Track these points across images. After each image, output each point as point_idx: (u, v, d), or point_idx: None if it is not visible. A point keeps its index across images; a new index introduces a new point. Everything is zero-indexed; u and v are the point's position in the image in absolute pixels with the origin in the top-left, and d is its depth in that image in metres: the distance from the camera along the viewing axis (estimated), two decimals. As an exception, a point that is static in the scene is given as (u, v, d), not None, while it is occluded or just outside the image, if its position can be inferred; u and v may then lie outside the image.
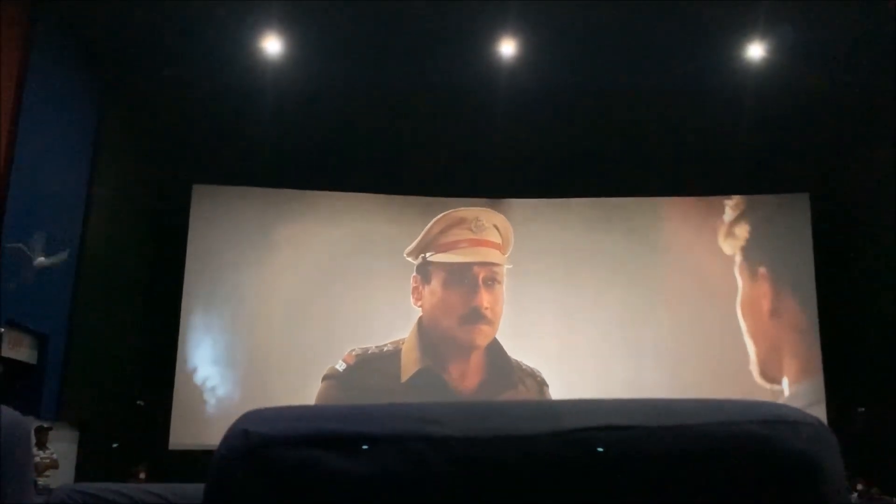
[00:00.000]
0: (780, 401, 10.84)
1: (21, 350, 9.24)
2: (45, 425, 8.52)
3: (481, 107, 11.83)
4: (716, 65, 11.00)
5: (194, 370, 12.26)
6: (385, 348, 12.53)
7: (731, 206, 13.13)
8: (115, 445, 10.33)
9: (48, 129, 9.45)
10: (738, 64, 11.00)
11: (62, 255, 9.21)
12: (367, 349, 12.48)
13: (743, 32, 10.57)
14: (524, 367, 12.55)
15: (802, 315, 12.57)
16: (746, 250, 12.94)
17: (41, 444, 8.28)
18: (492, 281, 12.68)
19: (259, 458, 0.79)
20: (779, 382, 12.48)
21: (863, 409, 11.39)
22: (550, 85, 11.50)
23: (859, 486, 9.92)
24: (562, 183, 13.02)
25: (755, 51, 10.80)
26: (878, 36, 10.09)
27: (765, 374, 12.53)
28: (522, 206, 13.25)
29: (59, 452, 8.70)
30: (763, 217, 13.04)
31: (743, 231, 13.01)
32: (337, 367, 12.32)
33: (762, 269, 12.81)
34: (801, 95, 11.44)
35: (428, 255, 12.72)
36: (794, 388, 12.32)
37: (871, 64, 10.66)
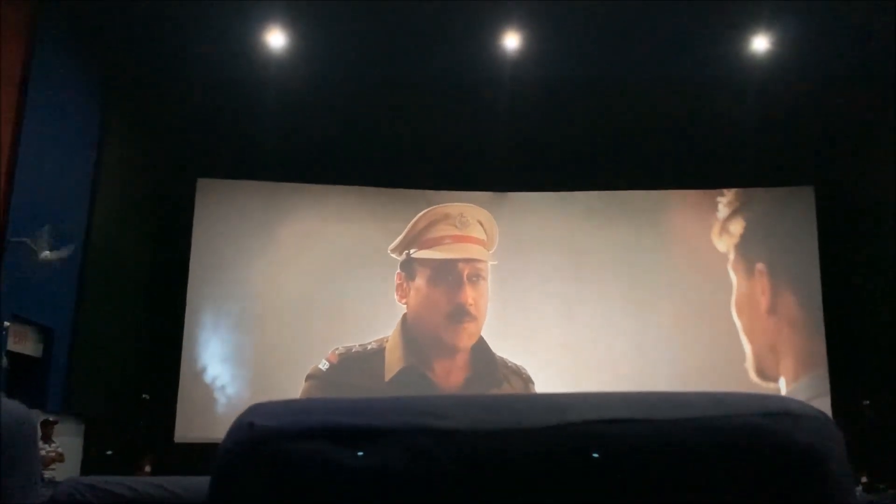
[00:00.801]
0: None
1: (26, 344, 9.27)
2: (51, 419, 8.54)
3: (485, 100, 11.81)
4: (720, 57, 10.96)
5: (199, 363, 12.27)
6: (369, 346, 12.45)
7: (724, 202, 13.04)
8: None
9: (52, 123, 9.46)
10: (742, 56, 10.96)
11: (69, 249, 9.22)
12: (350, 348, 12.42)
13: (747, 25, 10.53)
14: (509, 364, 12.49)
15: (801, 310, 12.50)
16: (741, 247, 12.84)
17: (46, 438, 8.30)
18: (476, 277, 12.61)
19: (264, 451, 0.79)
20: (775, 381, 12.40)
21: (867, 403, 11.38)
22: (554, 78, 11.48)
23: (864, 479, 9.91)
24: (565, 176, 12.99)
25: (760, 43, 10.77)
26: (883, 28, 10.05)
27: (760, 373, 12.45)
28: (525, 200, 13.22)
29: (64, 446, 8.73)
30: (767, 211, 12.97)
31: (738, 227, 12.90)
32: (320, 366, 12.26)
33: (759, 266, 12.72)
34: (805, 88, 11.40)
35: (412, 251, 12.68)
36: (793, 387, 12.25)
37: (875, 56, 10.63)
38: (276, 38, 10.69)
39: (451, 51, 10.93)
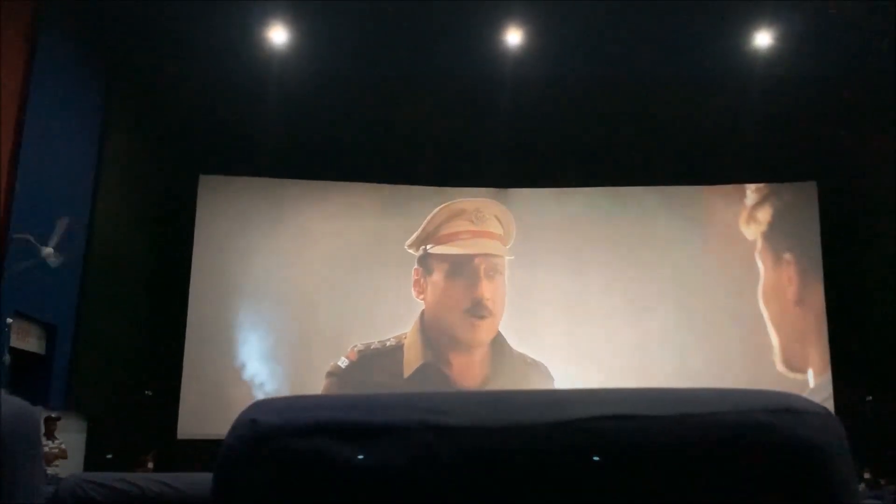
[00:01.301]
0: (805, 391, 10.79)
1: (29, 340, 9.28)
2: (53, 415, 8.55)
3: (488, 96, 11.81)
4: (723, 53, 10.95)
5: (202, 360, 12.28)
6: (388, 343, 12.47)
7: (752, 189, 13.07)
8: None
9: (55, 120, 9.46)
10: (744, 52, 10.95)
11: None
12: (369, 345, 12.44)
13: (750, 20, 10.51)
14: (528, 360, 12.48)
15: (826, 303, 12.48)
16: (767, 235, 12.84)
17: (49, 434, 8.31)
18: (493, 272, 12.62)
19: (266, 448, 0.79)
20: (803, 372, 12.34)
21: (870, 399, 11.37)
22: (557, 74, 11.47)
23: (866, 475, 9.91)
24: (569, 172, 12.98)
25: (762, 39, 10.75)
26: (885, 23, 10.02)
27: (788, 364, 12.39)
28: (529, 196, 13.22)
29: (67, 442, 8.74)
30: (771, 206, 12.97)
31: (766, 216, 12.89)
32: (339, 363, 12.30)
33: (787, 255, 12.68)
34: (807, 83, 11.38)
35: (428, 246, 12.68)
36: (820, 379, 12.18)
37: (877, 51, 10.60)
38: (278, 35, 10.68)
39: (454, 47, 10.92)
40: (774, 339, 12.49)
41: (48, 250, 8.70)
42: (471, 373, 12.39)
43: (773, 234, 12.83)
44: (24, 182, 8.72)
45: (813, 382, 12.21)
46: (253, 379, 12.34)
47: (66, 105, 9.81)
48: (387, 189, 13.08)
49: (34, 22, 9.06)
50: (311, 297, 12.69)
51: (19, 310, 8.72)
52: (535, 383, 12.20)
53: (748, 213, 12.95)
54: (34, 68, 8.99)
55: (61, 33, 9.64)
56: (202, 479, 1.89)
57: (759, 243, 12.84)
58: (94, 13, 10.12)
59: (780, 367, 12.38)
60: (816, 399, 0.90)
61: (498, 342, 12.51)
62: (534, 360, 12.47)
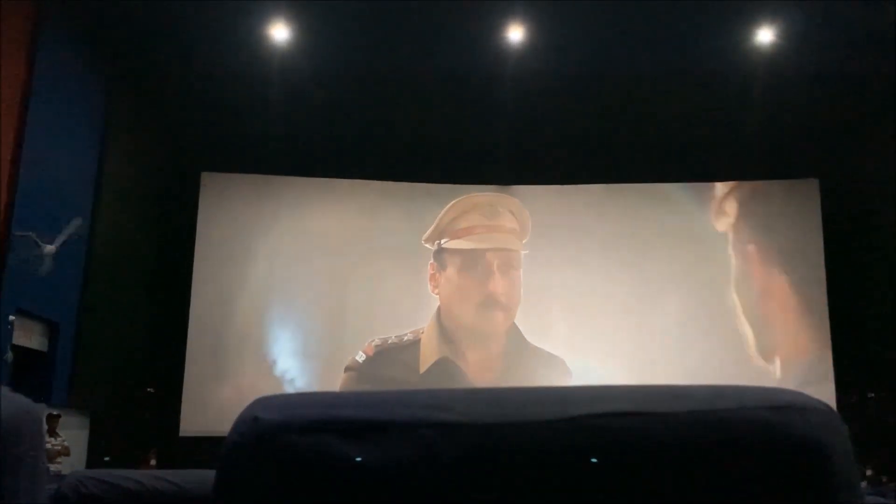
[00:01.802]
0: (772, 381, 10.82)
1: (32, 338, 9.29)
2: (54, 412, 8.56)
3: (490, 93, 11.79)
4: (725, 50, 10.92)
5: (204, 357, 12.28)
6: (405, 338, 12.47)
7: (721, 184, 13.14)
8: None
9: (56, 118, 9.46)
10: (746, 49, 10.92)
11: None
12: (386, 339, 12.42)
13: (752, 17, 10.49)
14: (545, 354, 12.44)
15: (799, 295, 12.51)
16: (739, 229, 12.89)
17: (51, 431, 8.32)
18: (507, 267, 12.59)
19: (269, 445, 0.79)
20: (773, 362, 12.40)
21: (872, 396, 11.37)
22: (558, 70, 11.45)
23: (868, 473, 9.91)
24: (571, 169, 12.97)
25: (764, 36, 10.73)
26: (887, 21, 10.00)
27: (762, 354, 12.47)
28: (531, 193, 13.20)
29: (69, 439, 8.76)
30: (772, 203, 12.95)
31: (733, 209, 12.95)
32: (357, 358, 12.31)
33: (751, 247, 12.74)
34: (809, 80, 11.36)
35: (443, 241, 12.66)
36: (789, 370, 12.22)
37: (879, 49, 10.58)
38: (279, 32, 10.67)
39: (455, 44, 10.90)
40: (748, 330, 12.55)
41: (50, 248, 8.70)
42: (487, 368, 12.37)
43: (747, 226, 12.86)
44: (26, 181, 8.72)
45: (779, 373, 12.23)
46: (256, 376, 12.33)
47: (67, 103, 9.81)
48: (389, 186, 13.06)
49: (35, 22, 9.05)
50: (313, 295, 12.68)
51: (21, 307, 8.73)
52: (552, 378, 12.14)
53: (717, 205, 13.01)
54: (36, 68, 8.99)
55: (62, 33, 9.63)
56: (204, 476, 1.90)
57: (731, 235, 12.90)
58: (95, 12, 10.11)
59: (754, 357, 12.44)
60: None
61: (514, 336, 12.49)
62: (551, 354, 12.43)
